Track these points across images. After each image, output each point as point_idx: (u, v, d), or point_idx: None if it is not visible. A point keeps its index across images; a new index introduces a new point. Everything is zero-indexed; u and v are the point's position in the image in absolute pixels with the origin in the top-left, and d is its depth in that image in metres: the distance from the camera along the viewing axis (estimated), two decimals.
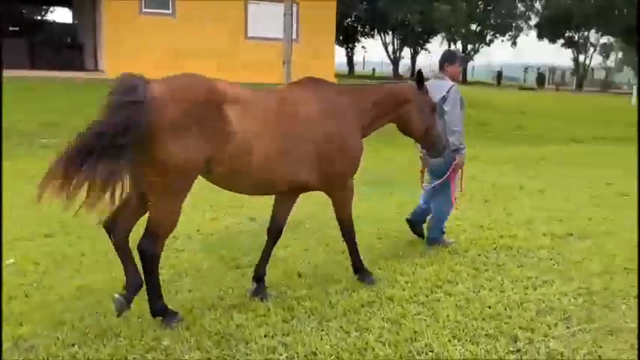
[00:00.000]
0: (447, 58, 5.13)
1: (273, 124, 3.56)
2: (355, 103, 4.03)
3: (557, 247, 5.28)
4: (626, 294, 4.14)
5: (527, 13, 45.80)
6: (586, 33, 47.91)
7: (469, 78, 46.44)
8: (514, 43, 45.95)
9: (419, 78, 4.23)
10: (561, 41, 48.62)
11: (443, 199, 5.14)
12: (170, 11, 18.84)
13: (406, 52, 48.13)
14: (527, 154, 12.56)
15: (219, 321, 3.58)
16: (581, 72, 49.21)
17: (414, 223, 5.39)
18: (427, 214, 5.34)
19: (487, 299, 4.01)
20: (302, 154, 3.71)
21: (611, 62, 64.14)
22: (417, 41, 47.00)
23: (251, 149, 3.40)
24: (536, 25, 47.00)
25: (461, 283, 4.31)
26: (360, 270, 4.35)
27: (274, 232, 4.11)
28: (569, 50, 49.85)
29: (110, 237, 3.49)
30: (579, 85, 46.91)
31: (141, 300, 3.55)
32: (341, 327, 3.55)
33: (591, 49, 50.11)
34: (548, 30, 46.71)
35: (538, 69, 53.03)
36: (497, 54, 58.06)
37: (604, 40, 50.38)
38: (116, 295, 3.36)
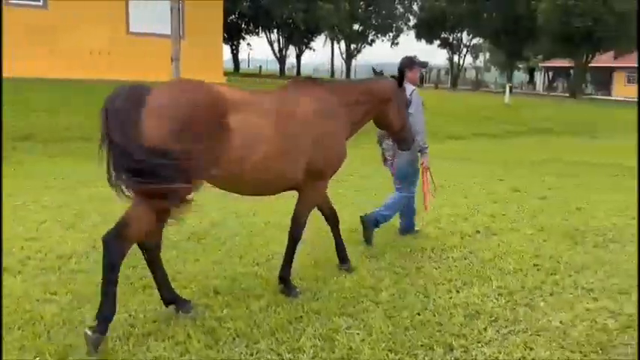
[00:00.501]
0: (407, 64, 5.34)
1: (273, 125, 3.59)
2: (345, 103, 4.13)
3: (469, 246, 5.36)
4: (542, 291, 4.25)
5: (406, 15, 47.83)
6: (459, 35, 50.98)
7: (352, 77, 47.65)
8: (395, 43, 47.86)
9: (400, 76, 4.50)
10: (438, 42, 51.30)
11: (405, 192, 5.47)
12: (41, 3, 17.33)
13: (292, 50, 48.33)
14: None
15: (133, 353, 3.16)
16: (455, 71, 52.34)
17: (407, 230, 5.68)
18: (411, 213, 5.64)
19: (414, 306, 3.92)
20: (298, 154, 3.78)
21: (480, 62, 69.02)
22: (301, 40, 47.36)
23: (252, 151, 3.44)
24: (414, 26, 49.23)
25: (385, 290, 4.19)
26: (286, 281, 4.13)
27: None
28: (445, 50, 52.82)
29: (143, 253, 3.55)
30: (454, 84, 49.84)
31: None
32: (271, 349, 3.28)
33: (464, 50, 53.49)
34: (426, 31, 49.13)
35: None
36: (378, 54, 59.78)
37: (475, 41, 53.89)
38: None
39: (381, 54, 61.19)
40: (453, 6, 44.05)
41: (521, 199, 7.45)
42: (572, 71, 52.40)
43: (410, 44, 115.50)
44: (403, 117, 4.54)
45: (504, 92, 28.90)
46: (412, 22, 48.37)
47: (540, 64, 55.39)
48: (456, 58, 52.35)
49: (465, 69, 57.81)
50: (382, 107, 4.39)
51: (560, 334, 3.55)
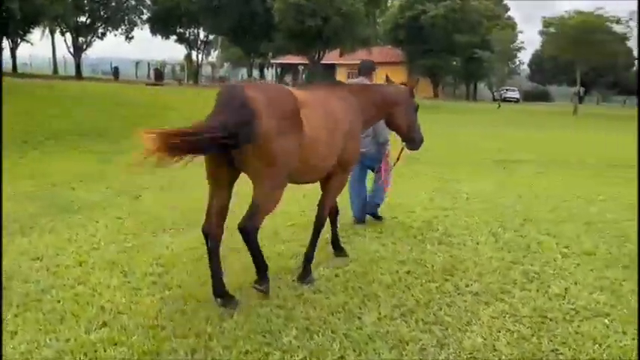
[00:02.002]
0: (371, 66, 6.07)
1: (323, 120, 4.03)
2: (362, 103, 4.56)
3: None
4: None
5: (138, 7, 45.12)
6: (196, 30, 50.28)
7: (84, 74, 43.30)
8: (129, 38, 44.86)
9: (412, 86, 5.13)
10: (174, 37, 49.76)
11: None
12: None
13: (6, 43, 41.53)
14: None
15: None
16: (194, 67, 51.64)
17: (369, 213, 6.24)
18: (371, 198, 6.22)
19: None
20: (337, 145, 4.19)
21: (212, 58, 69.59)
22: (16, 31, 41.02)
23: (313, 141, 3.85)
24: (148, 20, 46.78)
25: (366, 314, 3.64)
26: (309, 263, 4.47)
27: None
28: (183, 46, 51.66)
29: (207, 242, 3.86)
30: (195, 80, 49.13)
31: None
32: None
33: (202, 46, 53.05)
34: (161, 25, 47.18)
35: (149, 63, 53.23)
36: (112, 49, 55.49)
37: (212, 37, 53.73)
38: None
39: (116, 49, 57.08)
40: (187, 1, 43.11)
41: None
42: (300, 67, 56.49)
43: (147, 39, 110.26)
44: (411, 120, 4.98)
45: None
46: (146, 15, 45.81)
47: (272, 61, 58.17)
48: (194, 53, 51.70)
49: (202, 65, 57.29)
50: (392, 110, 4.86)
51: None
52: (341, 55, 43.22)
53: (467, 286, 4.40)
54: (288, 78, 61.83)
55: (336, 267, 4.73)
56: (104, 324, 3.54)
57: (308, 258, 4.45)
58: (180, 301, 3.92)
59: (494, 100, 57.09)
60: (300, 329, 3.56)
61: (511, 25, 59.62)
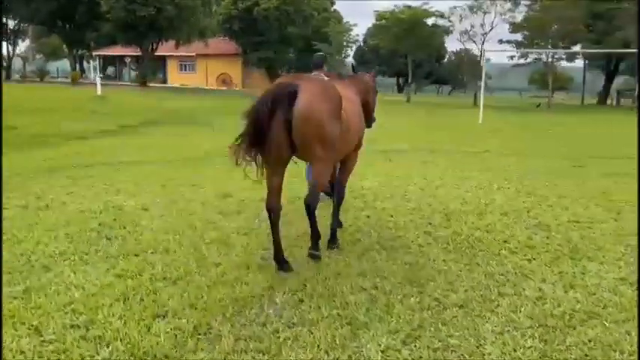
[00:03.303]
0: (322, 61, 6.30)
1: (351, 107, 4.78)
2: (359, 91, 5.41)
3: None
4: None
5: None
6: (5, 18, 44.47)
7: None
8: None
9: (374, 74, 6.16)
10: None
11: None
12: None
13: None
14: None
15: None
16: (5, 60, 45.74)
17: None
18: None
19: None
20: (361, 128, 5.21)
21: (21, 50, 62.37)
22: None
23: (349, 125, 4.63)
24: None
25: (365, 347, 3.13)
26: (336, 232, 5.18)
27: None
28: None
29: (270, 216, 4.43)
30: (7, 76, 43.53)
31: None
32: None
33: (12, 36, 47.08)
34: None
35: None
36: None
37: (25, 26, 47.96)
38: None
39: None
40: None
41: None
42: (126, 59, 52.86)
43: None
44: (375, 103, 5.86)
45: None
46: None
47: (95, 53, 53.72)
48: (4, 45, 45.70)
49: (12, 58, 50.89)
50: (369, 96, 5.64)
51: None
52: (177, 46, 41.14)
53: (445, 297, 4.03)
54: (110, 71, 57.85)
55: (294, 291, 4.09)
56: None
57: (334, 229, 5.17)
58: None
59: None
60: None
61: (338, 19, 61.92)
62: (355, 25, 66.46)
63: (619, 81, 57.53)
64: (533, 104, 48.28)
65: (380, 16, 42.17)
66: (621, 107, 47.79)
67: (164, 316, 3.63)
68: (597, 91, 58.17)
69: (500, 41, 49.59)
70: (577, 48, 46.61)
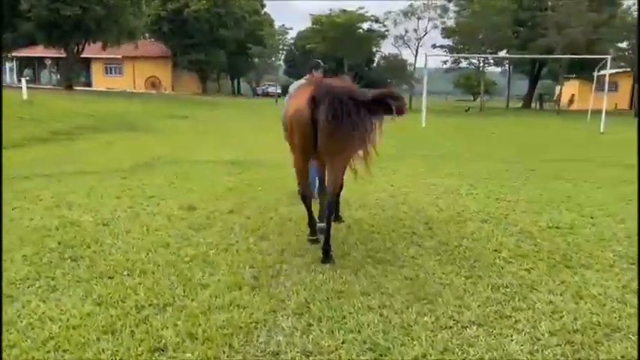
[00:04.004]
0: (316, 66, 6.36)
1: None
2: None
3: None
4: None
5: None
6: None
7: None
8: None
9: (354, 75, 6.91)
10: None
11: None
12: None
13: None
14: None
15: None
16: None
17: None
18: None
19: None
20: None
21: None
22: None
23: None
24: None
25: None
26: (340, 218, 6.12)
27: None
28: None
29: (305, 201, 5.24)
30: None
31: None
32: None
33: None
34: None
35: None
36: None
37: None
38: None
39: None
40: None
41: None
42: (46, 61, 50.14)
43: None
44: None
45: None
46: None
47: (13, 54, 50.53)
48: None
49: None
50: None
51: None
52: (104, 47, 39.24)
53: (460, 314, 3.81)
54: (27, 72, 54.75)
55: (299, 314, 3.74)
56: None
57: (337, 215, 6.07)
58: None
59: (256, 95, 58.45)
60: None
61: (269, 21, 61.55)
62: (291, 28, 66.35)
63: (539, 85, 60.50)
64: (461, 108, 49.81)
65: (316, 19, 42.17)
66: (545, 110, 50.21)
67: (163, 350, 3.22)
68: (517, 95, 60.89)
69: (434, 46, 50.93)
70: (503, 53, 48.48)
